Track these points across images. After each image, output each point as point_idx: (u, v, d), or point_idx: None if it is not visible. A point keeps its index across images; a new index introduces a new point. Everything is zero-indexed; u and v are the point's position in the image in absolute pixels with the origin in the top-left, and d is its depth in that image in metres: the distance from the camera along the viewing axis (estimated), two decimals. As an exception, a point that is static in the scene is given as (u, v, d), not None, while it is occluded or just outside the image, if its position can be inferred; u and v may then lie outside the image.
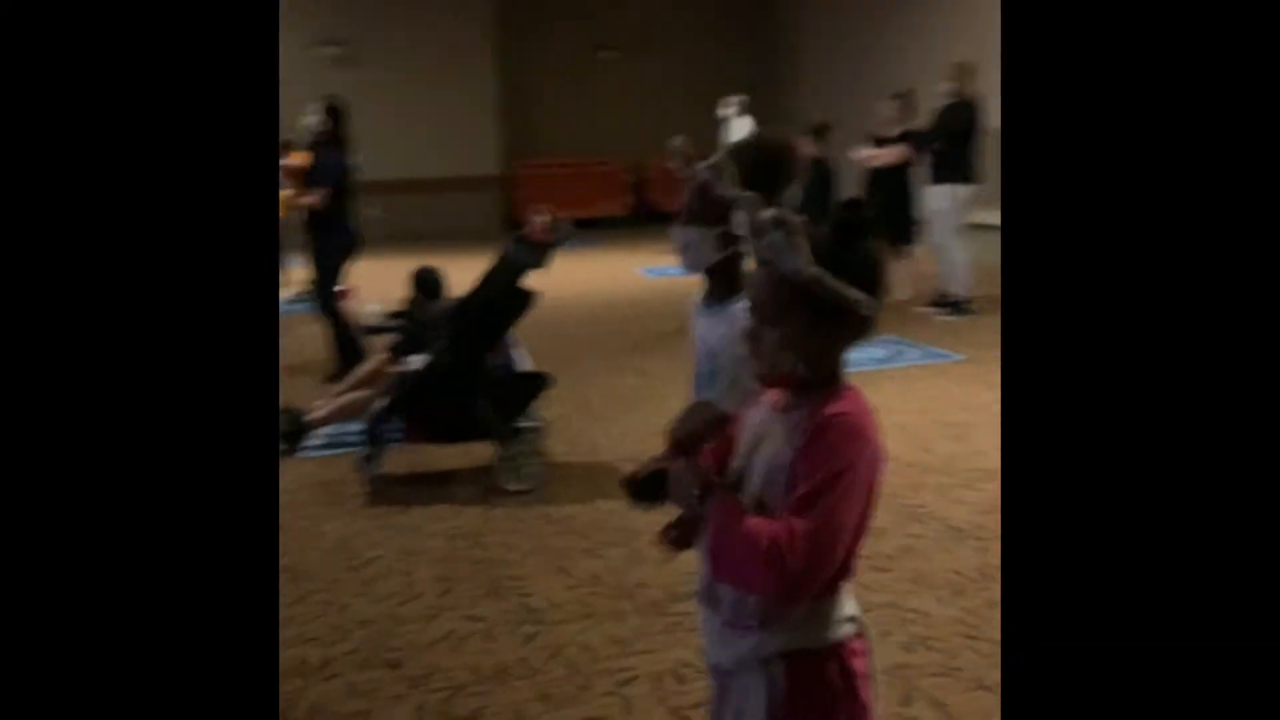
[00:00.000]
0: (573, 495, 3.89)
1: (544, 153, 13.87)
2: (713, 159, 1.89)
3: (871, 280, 1.33)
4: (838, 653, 1.34)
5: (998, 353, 5.80)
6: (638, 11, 14.25)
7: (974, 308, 6.93)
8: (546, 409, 4.31)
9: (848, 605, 1.37)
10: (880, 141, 7.15)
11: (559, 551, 3.39)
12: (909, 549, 3.28)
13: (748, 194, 1.52)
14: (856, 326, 1.34)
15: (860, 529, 1.32)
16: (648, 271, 9.12)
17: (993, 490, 3.77)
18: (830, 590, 1.34)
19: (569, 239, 4.05)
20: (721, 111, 9.76)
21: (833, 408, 1.31)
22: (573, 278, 3.84)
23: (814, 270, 1.28)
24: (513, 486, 3.90)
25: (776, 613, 1.33)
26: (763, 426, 1.43)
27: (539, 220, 4.02)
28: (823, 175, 7.21)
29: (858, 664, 1.35)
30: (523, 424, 4.07)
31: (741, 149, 2.05)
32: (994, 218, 10.61)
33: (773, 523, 1.26)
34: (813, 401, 1.34)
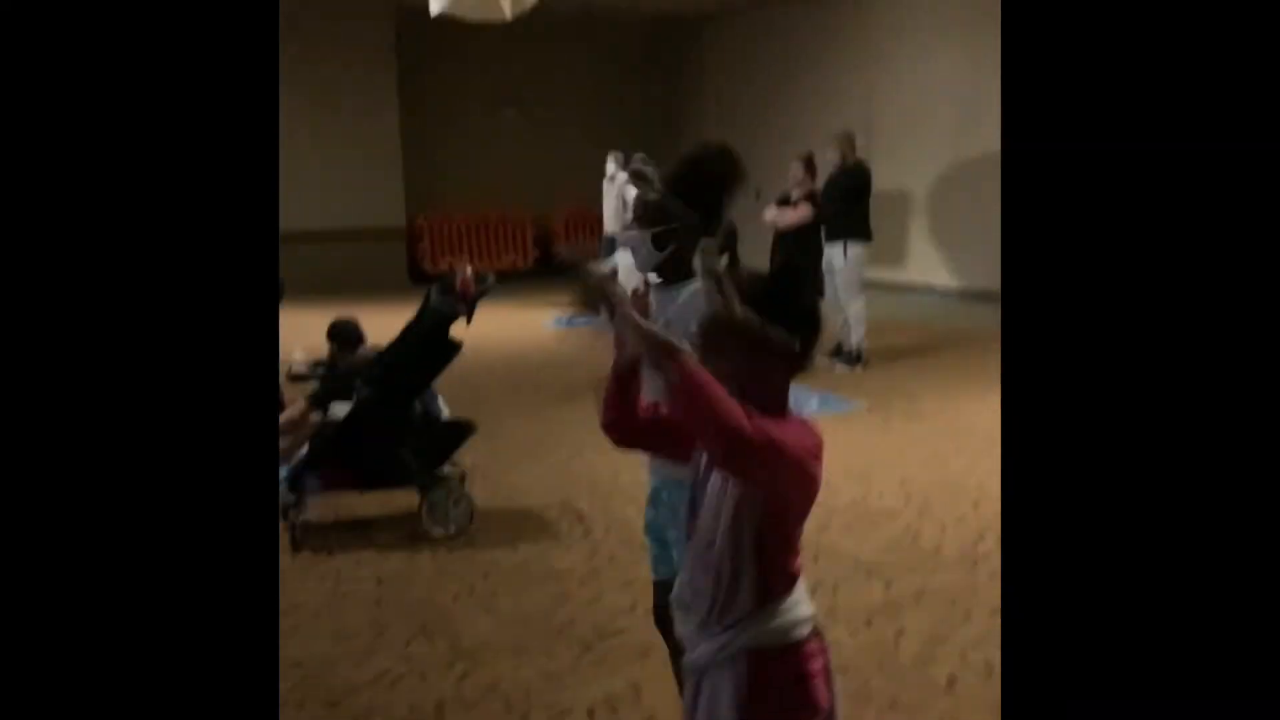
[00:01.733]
0: (497, 539, 3.98)
1: (448, 205, 13.95)
2: (637, 162, 2.19)
3: (806, 322, 1.54)
4: (796, 651, 1.52)
5: (896, 401, 6.14)
6: (542, 69, 14.53)
7: (869, 358, 7.27)
8: (466, 456, 4.40)
9: (804, 606, 1.55)
10: (786, 202, 7.52)
11: (487, 593, 3.47)
12: (821, 584, 3.48)
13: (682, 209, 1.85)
14: (788, 362, 1.53)
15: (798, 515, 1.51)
16: (556, 323, 9.27)
17: (895, 529, 4.01)
18: (786, 588, 1.52)
19: (491, 290, 4.18)
20: (609, 167, 9.84)
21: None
22: (482, 329, 3.99)
23: (742, 312, 1.49)
24: (438, 531, 3.97)
25: (741, 612, 1.50)
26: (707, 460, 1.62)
27: (462, 272, 4.14)
28: (730, 229, 7.54)
29: (814, 664, 1.52)
30: (446, 470, 4.16)
31: (683, 157, 2.32)
32: (885, 274, 11.10)
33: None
34: None
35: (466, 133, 14.50)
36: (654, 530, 2.39)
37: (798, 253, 7.17)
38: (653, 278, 2.31)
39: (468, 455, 4.49)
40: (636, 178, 2.19)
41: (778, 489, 1.48)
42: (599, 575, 3.58)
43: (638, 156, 2.36)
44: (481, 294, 4.08)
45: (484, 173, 14.53)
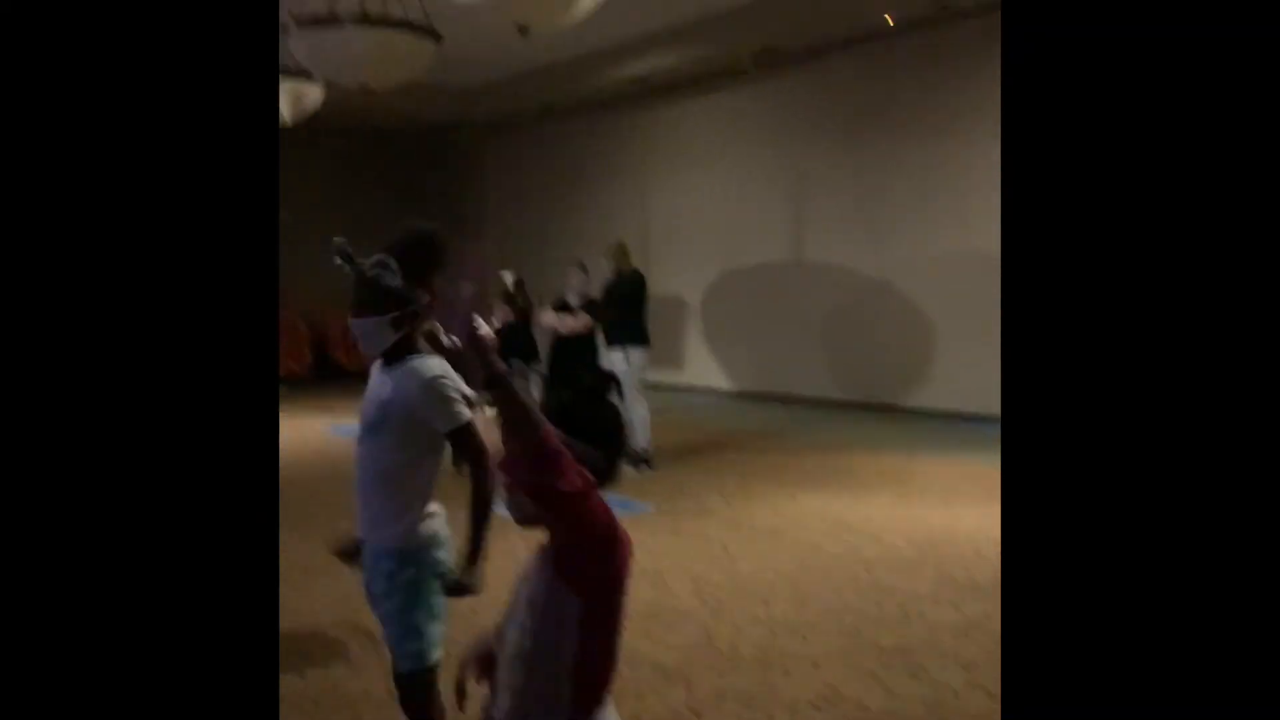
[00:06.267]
0: (282, 665, 3.73)
1: (214, 307, 13.30)
2: (376, 255, 2.28)
3: (612, 435, 1.61)
4: None
5: (682, 502, 6.30)
6: (321, 174, 14.31)
7: (653, 461, 7.45)
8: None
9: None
10: (564, 307, 7.70)
11: None
12: (621, 692, 3.47)
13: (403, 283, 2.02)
14: (600, 475, 1.58)
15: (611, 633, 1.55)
16: (337, 430, 8.95)
17: (691, 630, 4.09)
18: (589, 709, 1.54)
19: (280, 400, 4.02)
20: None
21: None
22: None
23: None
24: (216, 660, 3.69)
25: None
26: (525, 567, 1.65)
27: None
28: (517, 331, 7.65)
29: None
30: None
31: (396, 241, 2.46)
32: (664, 376, 11.45)
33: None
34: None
35: (236, 233, 13.99)
36: (379, 609, 2.47)
37: (576, 357, 7.34)
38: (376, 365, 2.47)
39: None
40: (345, 258, 2.29)
41: (592, 548, 1.52)
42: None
43: (338, 241, 2.46)
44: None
45: (254, 274, 14.01)
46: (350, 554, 2.57)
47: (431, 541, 2.45)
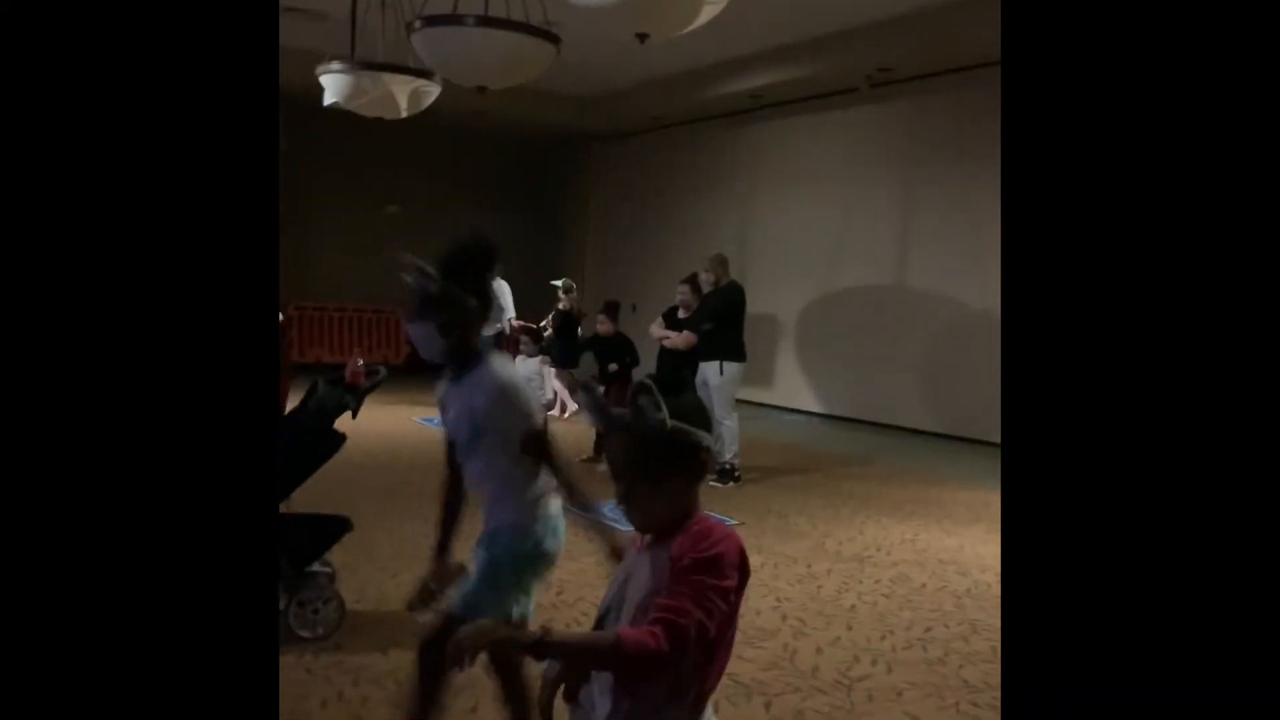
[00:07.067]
0: (367, 644, 3.81)
1: (321, 296, 13.68)
2: (414, 263, 2.33)
3: (701, 424, 1.59)
4: None
5: (769, 520, 6.24)
6: (427, 171, 14.63)
7: (742, 476, 7.39)
8: (332, 555, 4.23)
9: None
10: (672, 316, 7.76)
11: (358, 700, 3.30)
12: (701, 702, 3.45)
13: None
14: (701, 465, 1.56)
15: (721, 640, 1.50)
16: (426, 421, 9.11)
17: (773, 648, 4.03)
18: (699, 704, 1.51)
19: (382, 383, 4.10)
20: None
21: (690, 535, 1.52)
22: (350, 424, 3.88)
23: (674, 423, 1.52)
24: (305, 633, 3.77)
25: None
26: (629, 564, 1.62)
27: (354, 363, 4.05)
28: (616, 345, 7.73)
29: None
30: (316, 569, 3.98)
31: (450, 249, 2.49)
32: (753, 394, 11.37)
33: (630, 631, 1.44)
34: (672, 536, 1.54)
35: (346, 226, 14.38)
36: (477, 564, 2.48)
37: (676, 371, 7.37)
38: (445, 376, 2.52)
39: (337, 555, 4.32)
40: (403, 267, 2.35)
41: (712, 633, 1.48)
42: (475, 684, 3.44)
43: (397, 253, 2.55)
44: (373, 386, 4.00)
45: (360, 267, 14.36)
46: (423, 602, 2.60)
47: (531, 534, 2.46)
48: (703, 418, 1.60)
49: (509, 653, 2.32)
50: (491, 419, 2.38)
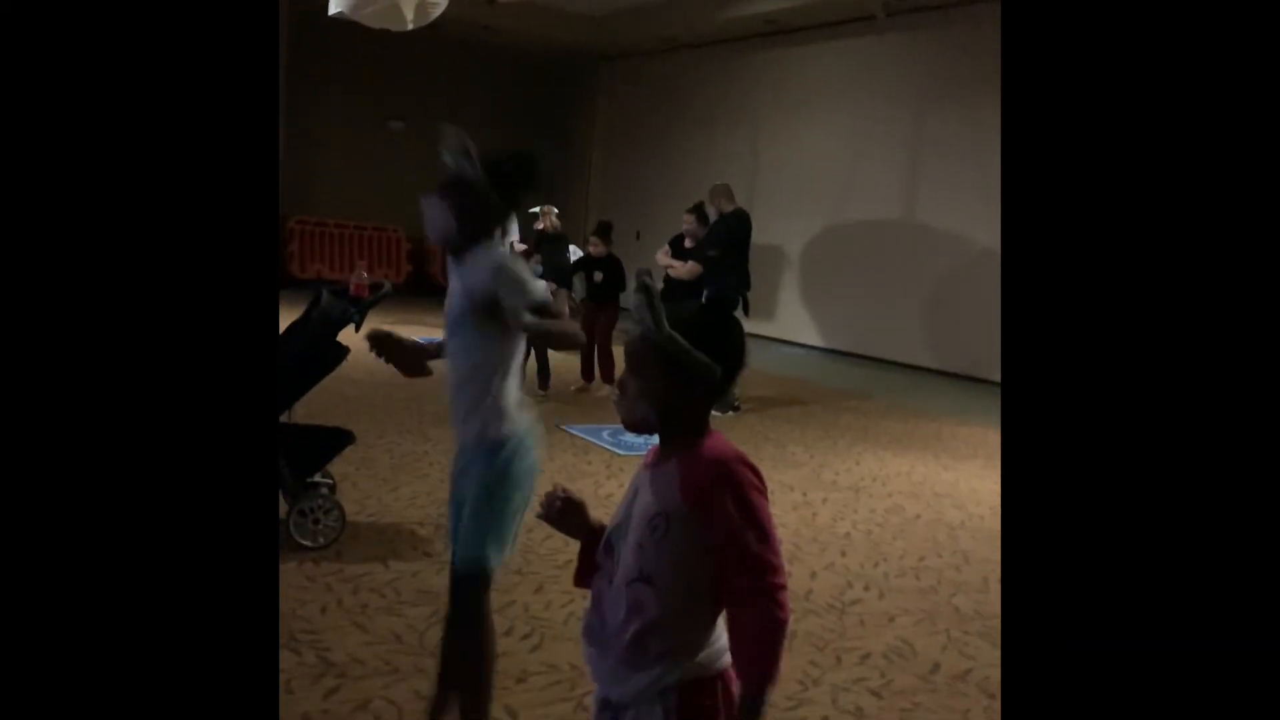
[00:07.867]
0: (367, 554, 3.85)
1: (321, 210, 13.57)
2: (470, 147, 2.40)
3: (729, 350, 1.56)
4: (721, 678, 1.52)
5: (766, 449, 6.28)
6: (432, 86, 14.39)
7: (741, 405, 7.42)
8: (333, 467, 4.25)
9: (723, 635, 1.55)
10: (679, 244, 7.71)
11: (356, 608, 3.35)
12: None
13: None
14: (707, 387, 1.55)
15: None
16: (428, 341, 9.10)
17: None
18: (715, 620, 1.53)
19: (387, 297, 4.08)
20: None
21: (695, 457, 1.52)
22: (351, 340, 3.84)
23: (668, 332, 1.50)
24: (306, 542, 3.81)
25: (669, 646, 1.50)
26: (637, 480, 1.63)
27: (358, 276, 4.03)
28: (606, 264, 7.67)
29: (734, 689, 1.53)
30: (317, 480, 4.01)
31: (499, 156, 2.52)
32: (754, 327, 11.33)
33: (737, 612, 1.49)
34: (676, 454, 1.54)
35: (349, 140, 14.20)
36: (458, 501, 2.49)
37: (682, 301, 7.34)
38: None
39: (338, 467, 4.35)
40: (455, 148, 2.33)
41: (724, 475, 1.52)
42: (537, 623, 3.47)
43: (454, 132, 2.51)
44: (377, 299, 3.98)
45: (363, 183, 14.23)
46: (378, 341, 2.60)
47: (518, 445, 2.46)
48: (722, 337, 1.58)
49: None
50: (489, 295, 2.38)
